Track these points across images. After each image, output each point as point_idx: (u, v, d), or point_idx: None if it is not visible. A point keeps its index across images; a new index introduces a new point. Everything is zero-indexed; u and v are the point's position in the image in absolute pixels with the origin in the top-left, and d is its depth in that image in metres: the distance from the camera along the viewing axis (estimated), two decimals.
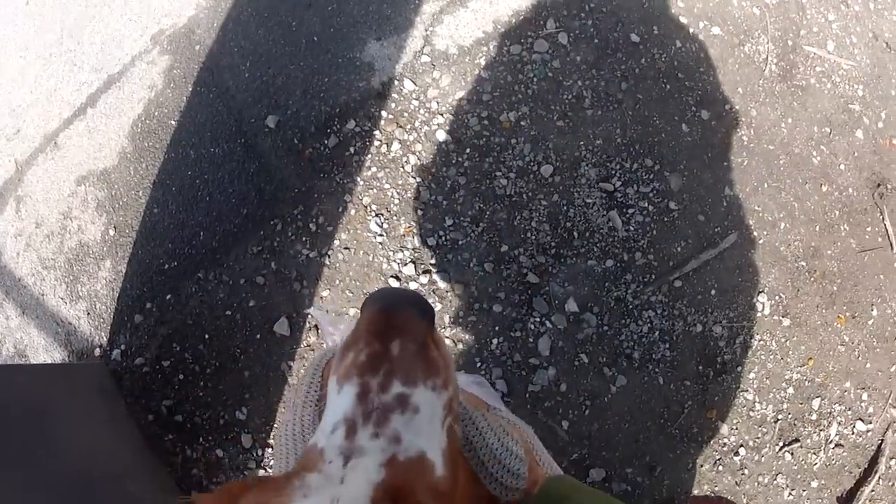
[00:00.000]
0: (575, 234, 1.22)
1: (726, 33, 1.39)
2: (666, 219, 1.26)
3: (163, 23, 1.48)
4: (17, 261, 1.61)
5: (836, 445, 1.36)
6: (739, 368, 1.29)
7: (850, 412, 1.37)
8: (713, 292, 1.28)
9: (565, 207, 1.22)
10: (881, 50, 1.58)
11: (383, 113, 1.26)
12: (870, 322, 1.40)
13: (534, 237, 1.21)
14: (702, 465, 1.26)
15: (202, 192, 1.33)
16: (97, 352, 1.46)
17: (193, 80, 1.38)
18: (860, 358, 1.39)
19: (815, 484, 1.32)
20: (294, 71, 1.30)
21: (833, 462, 1.35)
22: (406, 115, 1.25)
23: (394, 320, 0.33)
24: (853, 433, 1.37)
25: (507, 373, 1.15)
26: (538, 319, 1.18)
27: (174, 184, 1.36)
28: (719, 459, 1.27)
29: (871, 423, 1.38)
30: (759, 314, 1.32)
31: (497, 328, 1.16)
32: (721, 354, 1.28)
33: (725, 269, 1.29)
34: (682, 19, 1.36)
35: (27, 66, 1.73)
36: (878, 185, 1.51)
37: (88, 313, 1.47)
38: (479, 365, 1.14)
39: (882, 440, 1.39)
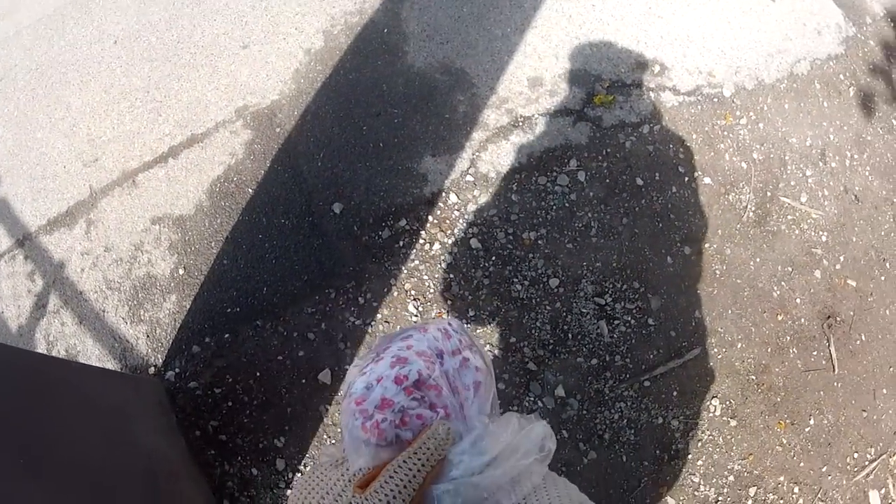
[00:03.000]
0: (570, 335, 1.80)
1: (715, 183, 1.99)
2: (644, 331, 1.86)
3: (248, 99, 2.05)
4: (80, 276, 2.14)
5: None
6: (689, 456, 1.87)
7: (781, 501, 1.95)
8: (675, 393, 1.87)
9: (565, 314, 1.81)
10: (849, 202, 2.20)
11: (430, 217, 1.83)
12: (807, 429, 1.99)
13: (537, 334, 1.79)
14: None
15: (269, 255, 1.89)
16: (151, 370, 2.00)
17: (272, 158, 1.95)
18: (795, 458, 1.97)
19: None
20: (360, 169, 1.88)
21: None
22: (448, 221, 1.83)
23: None
24: None
25: None
26: (532, 399, 1.76)
27: (245, 242, 1.92)
28: None
29: None
30: (710, 414, 1.90)
31: (499, 402, 1.74)
32: (676, 443, 1.86)
33: (687, 376, 1.88)
34: (680, 168, 1.96)
35: (111, 102, 2.27)
36: (829, 317, 2.12)
37: (148, 336, 2.01)
38: None
39: None
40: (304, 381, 1.81)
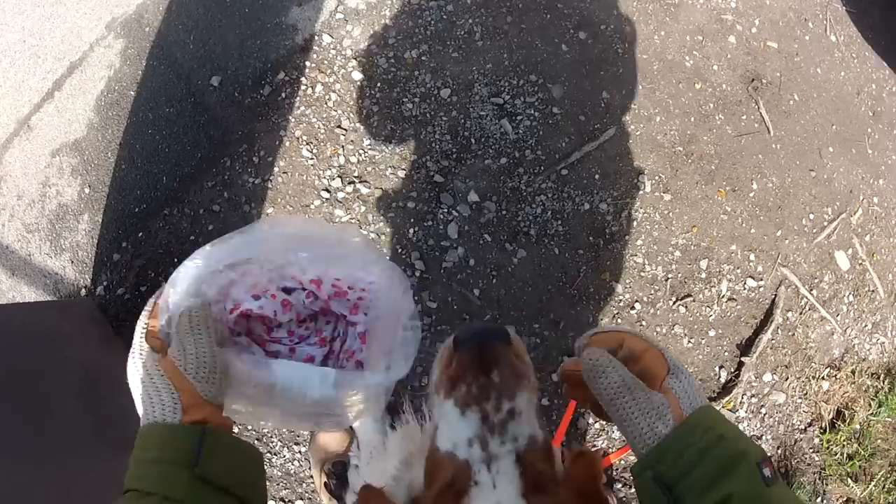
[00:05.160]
0: (472, 140, 1.81)
1: None
2: (550, 121, 1.85)
3: (115, 11, 2.11)
4: (2, 232, 2.21)
5: (729, 300, 1.88)
6: (627, 237, 1.85)
7: (738, 271, 1.89)
8: (597, 177, 1.85)
9: (463, 120, 1.82)
10: None
11: (307, 63, 1.86)
12: (751, 194, 1.96)
13: (438, 146, 1.80)
14: (602, 319, 1.80)
15: (162, 146, 1.93)
16: (83, 292, 2.04)
17: (146, 57, 2.00)
18: (744, 224, 1.93)
19: (712, 333, 1.84)
20: (231, 38, 1.92)
21: (728, 314, 1.87)
22: (326, 62, 1.86)
23: (489, 355, 0.52)
24: (745, 289, 1.89)
25: (423, 255, 1.73)
26: (446, 210, 1.76)
27: (137, 142, 1.96)
28: (617, 314, 1.81)
29: (761, 280, 1.90)
30: (640, 192, 1.88)
31: (412, 220, 1.74)
32: (609, 227, 1.84)
33: (606, 157, 1.87)
34: None
35: None
36: (753, 80, 2.09)
37: (72, 261, 2.06)
38: (399, 251, 1.72)
39: (776, 295, 1.92)
40: None
